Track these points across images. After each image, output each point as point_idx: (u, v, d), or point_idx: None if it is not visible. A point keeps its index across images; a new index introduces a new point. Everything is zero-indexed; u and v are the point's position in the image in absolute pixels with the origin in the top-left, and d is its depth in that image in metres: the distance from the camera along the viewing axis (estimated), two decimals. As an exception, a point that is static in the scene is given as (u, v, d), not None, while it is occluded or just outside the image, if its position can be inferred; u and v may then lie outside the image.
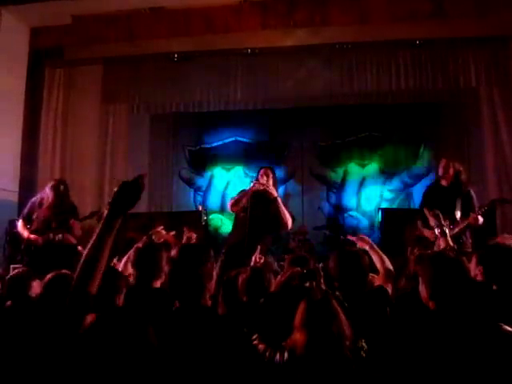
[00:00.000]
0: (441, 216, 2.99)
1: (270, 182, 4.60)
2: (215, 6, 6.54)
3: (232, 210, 4.74)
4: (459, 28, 6.28)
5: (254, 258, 3.45)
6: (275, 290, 2.76)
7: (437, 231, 2.95)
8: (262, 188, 4.48)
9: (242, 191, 4.70)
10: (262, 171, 4.69)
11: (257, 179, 4.58)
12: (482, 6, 6.08)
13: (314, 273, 2.55)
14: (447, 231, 2.90)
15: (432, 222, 3.01)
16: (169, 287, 1.97)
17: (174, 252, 2.01)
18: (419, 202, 5.21)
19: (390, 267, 2.80)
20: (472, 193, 4.74)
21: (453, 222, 4.30)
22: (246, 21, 6.53)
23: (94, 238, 1.58)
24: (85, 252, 1.58)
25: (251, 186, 4.52)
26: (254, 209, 4.45)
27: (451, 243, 2.85)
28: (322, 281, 2.53)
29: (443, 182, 4.84)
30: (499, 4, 6.02)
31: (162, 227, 3.46)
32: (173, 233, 3.50)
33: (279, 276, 2.87)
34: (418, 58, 6.77)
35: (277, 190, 4.68)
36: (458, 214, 4.49)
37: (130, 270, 2.87)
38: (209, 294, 2.12)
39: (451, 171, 4.77)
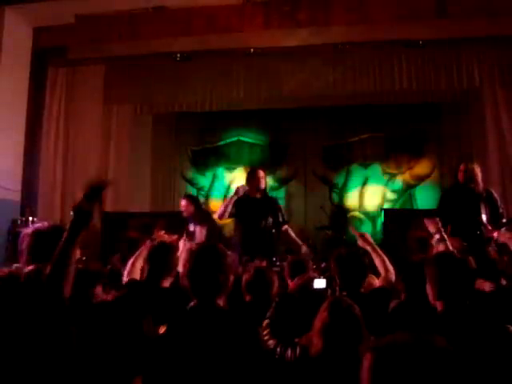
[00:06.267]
0: (439, 222, 2.98)
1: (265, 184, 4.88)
2: (218, 5, 6.53)
3: (220, 219, 5.00)
4: (462, 28, 6.25)
5: None
6: (292, 291, 2.78)
7: (436, 237, 2.94)
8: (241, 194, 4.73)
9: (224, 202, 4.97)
10: (261, 174, 4.89)
11: (237, 192, 4.76)
12: (485, 6, 6.05)
13: (330, 280, 2.57)
14: (446, 237, 2.90)
15: (431, 228, 2.99)
16: (189, 284, 1.98)
17: (194, 247, 2.05)
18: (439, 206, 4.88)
19: (391, 269, 2.80)
20: (494, 193, 4.67)
21: (479, 226, 4.26)
22: (249, 20, 6.52)
23: (58, 248, 1.86)
24: (52, 261, 1.85)
25: (231, 197, 4.77)
26: (244, 215, 4.71)
27: (451, 248, 2.84)
28: (337, 288, 2.55)
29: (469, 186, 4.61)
30: (503, 4, 6.00)
31: (163, 232, 3.51)
32: (175, 236, 3.54)
33: (296, 278, 2.90)
34: (421, 58, 6.74)
35: (266, 186, 4.96)
36: (484, 218, 4.43)
37: (138, 269, 2.92)
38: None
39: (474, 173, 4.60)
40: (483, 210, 4.39)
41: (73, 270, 1.87)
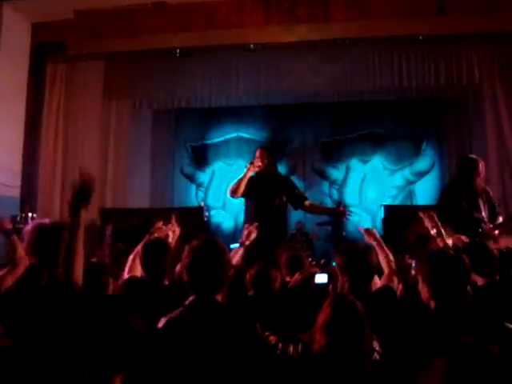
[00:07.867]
0: (435, 217, 2.97)
1: (266, 162, 4.50)
2: (217, 1, 6.52)
3: (232, 196, 4.66)
4: (462, 24, 6.23)
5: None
6: (292, 286, 2.77)
7: (433, 232, 2.93)
8: (257, 170, 4.43)
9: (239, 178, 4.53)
10: (257, 153, 4.60)
11: (251, 162, 4.45)
12: (485, 2, 6.05)
13: (331, 275, 2.55)
14: (443, 231, 2.89)
15: (427, 223, 2.98)
16: (188, 279, 1.97)
17: (195, 243, 2.02)
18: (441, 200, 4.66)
19: (394, 266, 2.78)
20: (490, 192, 4.61)
21: (480, 223, 4.24)
22: (248, 16, 6.51)
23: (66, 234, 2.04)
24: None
25: (246, 171, 4.43)
26: (255, 193, 4.47)
27: (450, 243, 2.84)
28: (338, 284, 2.53)
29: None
30: (503, 0, 5.99)
31: (161, 222, 3.44)
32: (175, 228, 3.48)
33: (297, 274, 2.91)
34: (420, 54, 6.73)
35: (276, 168, 4.71)
36: (484, 215, 4.40)
37: (139, 265, 2.88)
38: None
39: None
40: (482, 207, 4.37)
41: (81, 259, 2.01)
